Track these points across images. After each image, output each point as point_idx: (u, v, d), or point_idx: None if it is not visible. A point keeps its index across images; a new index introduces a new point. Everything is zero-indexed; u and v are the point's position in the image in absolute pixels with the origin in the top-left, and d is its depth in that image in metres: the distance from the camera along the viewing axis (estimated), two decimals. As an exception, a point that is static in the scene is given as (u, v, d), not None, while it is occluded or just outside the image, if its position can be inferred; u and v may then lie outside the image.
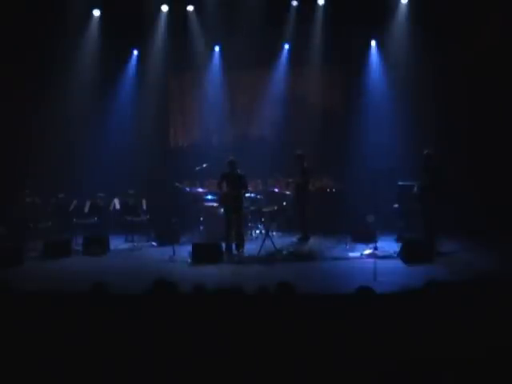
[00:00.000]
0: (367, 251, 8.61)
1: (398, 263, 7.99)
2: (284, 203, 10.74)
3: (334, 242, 9.56)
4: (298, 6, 11.24)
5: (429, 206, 8.66)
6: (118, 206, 10.45)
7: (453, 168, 9.53)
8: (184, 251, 8.81)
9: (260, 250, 8.64)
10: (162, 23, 11.57)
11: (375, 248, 8.54)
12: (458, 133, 10.54)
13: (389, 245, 9.08)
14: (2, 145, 11.30)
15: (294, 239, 9.81)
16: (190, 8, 11.52)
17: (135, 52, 12.08)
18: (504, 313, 3.43)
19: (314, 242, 9.66)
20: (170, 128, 12.51)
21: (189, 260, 8.43)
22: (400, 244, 8.66)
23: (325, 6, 11.17)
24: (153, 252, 9.54)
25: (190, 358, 3.13)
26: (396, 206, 9.89)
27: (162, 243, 9.84)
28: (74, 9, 10.92)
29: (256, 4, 10.66)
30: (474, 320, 3.30)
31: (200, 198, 10.59)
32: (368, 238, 9.02)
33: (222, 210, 9.40)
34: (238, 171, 8.82)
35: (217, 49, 11.91)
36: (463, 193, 9.94)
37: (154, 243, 10.10)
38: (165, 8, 11.50)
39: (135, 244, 10.02)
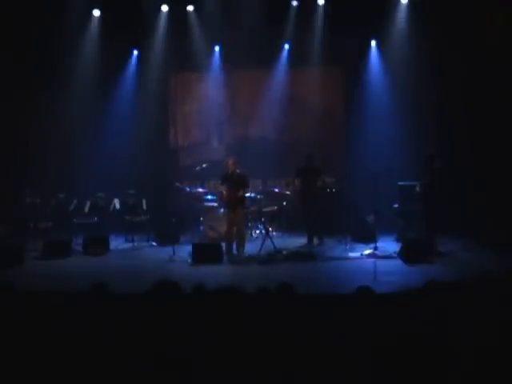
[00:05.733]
0: (367, 251, 8.61)
1: (398, 263, 7.99)
2: (284, 203, 10.75)
3: (334, 241, 9.55)
4: (298, 6, 11.24)
5: (430, 206, 8.66)
6: (118, 206, 10.44)
7: (453, 168, 9.53)
8: (184, 251, 8.80)
9: (260, 250, 8.64)
10: (162, 23, 11.55)
11: (375, 248, 8.55)
12: (459, 133, 10.54)
13: (389, 245, 9.09)
14: (2, 144, 11.30)
15: (304, 240, 9.70)
16: (190, 8, 11.51)
17: (135, 52, 12.05)
18: (504, 313, 3.43)
19: (314, 243, 9.64)
20: (170, 128, 12.49)
21: (189, 260, 8.43)
22: (400, 244, 8.67)
23: (325, 5, 11.17)
24: (153, 252, 9.53)
25: (190, 358, 3.13)
26: (396, 205, 9.90)
27: (161, 243, 9.83)
28: (74, 9, 10.92)
29: (256, 4, 10.66)
30: (474, 320, 3.30)
31: (200, 198, 10.59)
32: (368, 238, 9.03)
33: (222, 209, 9.41)
34: (238, 171, 8.81)
35: (217, 49, 11.89)
36: (464, 193, 9.94)
37: (154, 243, 10.09)
38: (165, 8, 11.48)
39: (135, 244, 10.01)
